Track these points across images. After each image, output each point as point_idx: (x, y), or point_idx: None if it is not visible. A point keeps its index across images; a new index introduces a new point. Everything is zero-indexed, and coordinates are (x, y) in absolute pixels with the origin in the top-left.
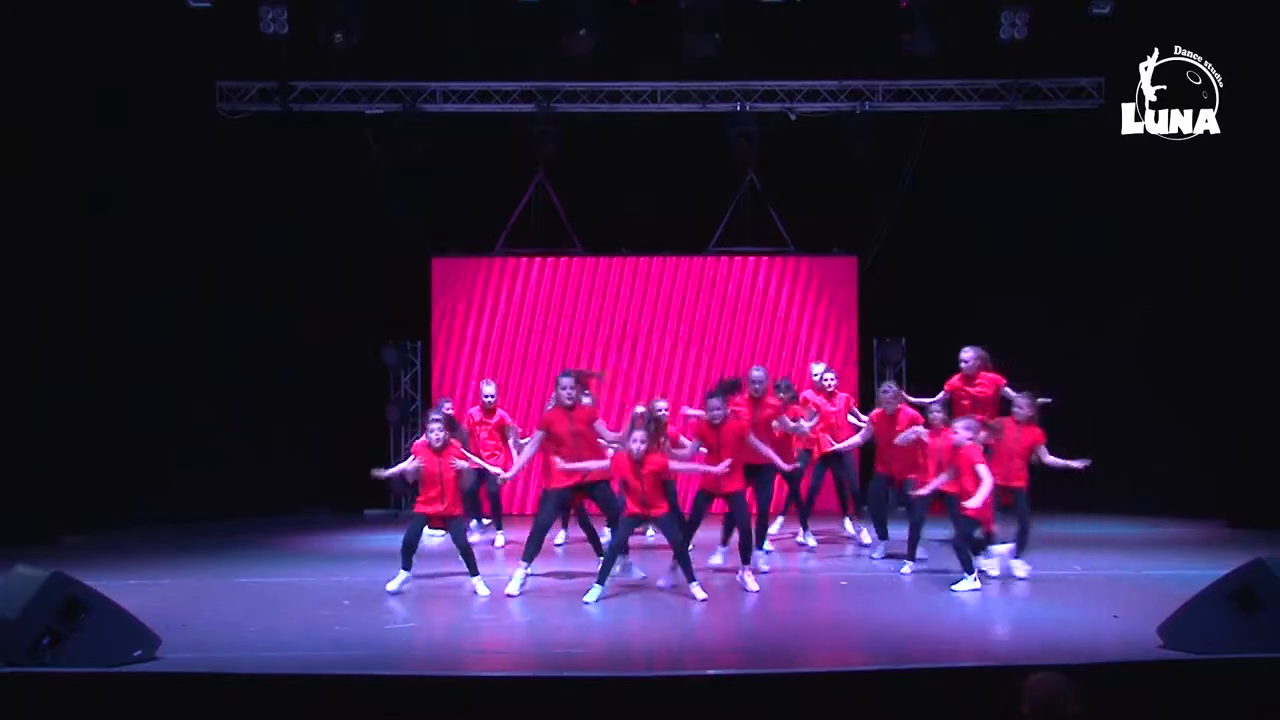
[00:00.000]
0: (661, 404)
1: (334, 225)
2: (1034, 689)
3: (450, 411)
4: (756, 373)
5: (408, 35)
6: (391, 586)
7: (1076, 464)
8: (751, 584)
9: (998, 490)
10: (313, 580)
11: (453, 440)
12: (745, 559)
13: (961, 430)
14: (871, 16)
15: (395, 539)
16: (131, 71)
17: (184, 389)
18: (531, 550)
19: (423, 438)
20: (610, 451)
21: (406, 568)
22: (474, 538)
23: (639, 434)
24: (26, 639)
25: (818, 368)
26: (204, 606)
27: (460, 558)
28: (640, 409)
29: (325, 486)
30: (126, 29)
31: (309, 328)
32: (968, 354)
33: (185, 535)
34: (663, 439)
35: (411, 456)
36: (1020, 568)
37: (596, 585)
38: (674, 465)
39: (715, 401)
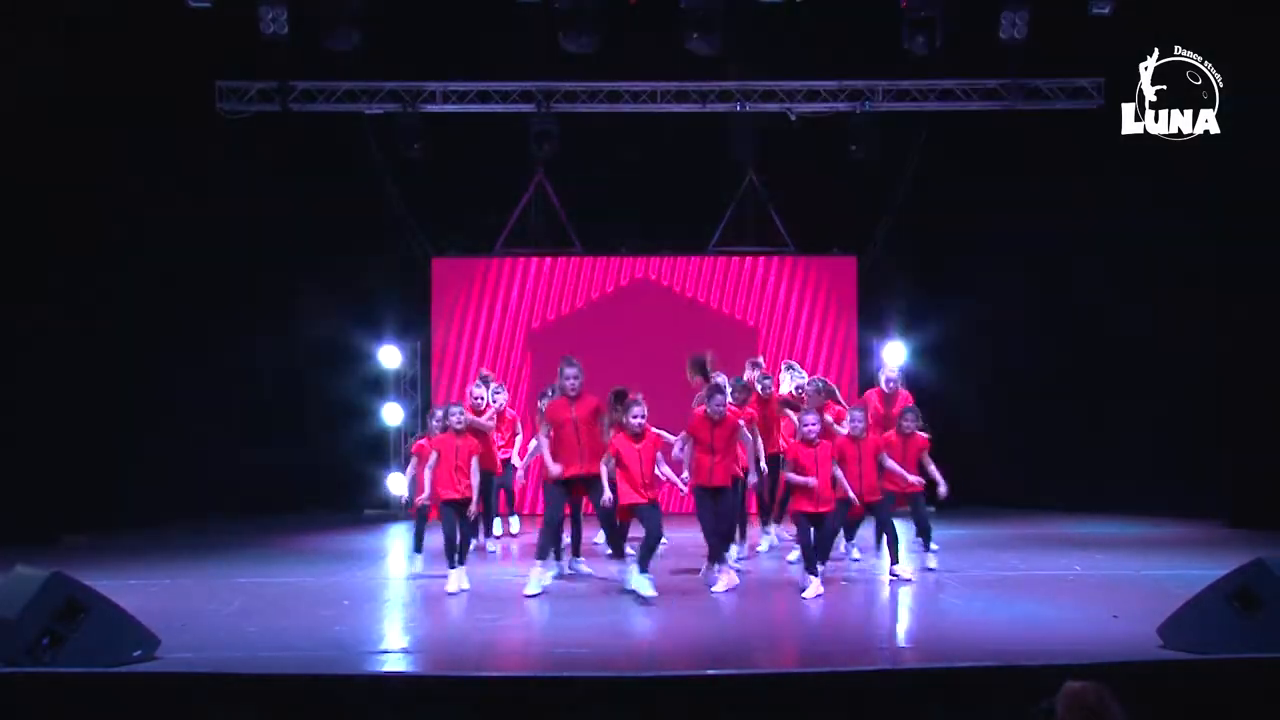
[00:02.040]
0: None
1: (334, 225)
2: (1072, 699)
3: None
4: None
5: (408, 35)
6: (450, 588)
7: (913, 480)
8: (721, 585)
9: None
10: (313, 580)
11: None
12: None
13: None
14: (871, 16)
15: (395, 539)
16: (132, 71)
17: (184, 388)
18: (545, 547)
19: (426, 436)
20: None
21: (461, 562)
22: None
23: (638, 410)
24: (26, 639)
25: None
26: (204, 606)
27: (449, 543)
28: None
29: (325, 486)
30: (127, 29)
31: (309, 327)
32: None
33: (185, 535)
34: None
35: (417, 457)
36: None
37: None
38: (660, 471)
39: (719, 398)
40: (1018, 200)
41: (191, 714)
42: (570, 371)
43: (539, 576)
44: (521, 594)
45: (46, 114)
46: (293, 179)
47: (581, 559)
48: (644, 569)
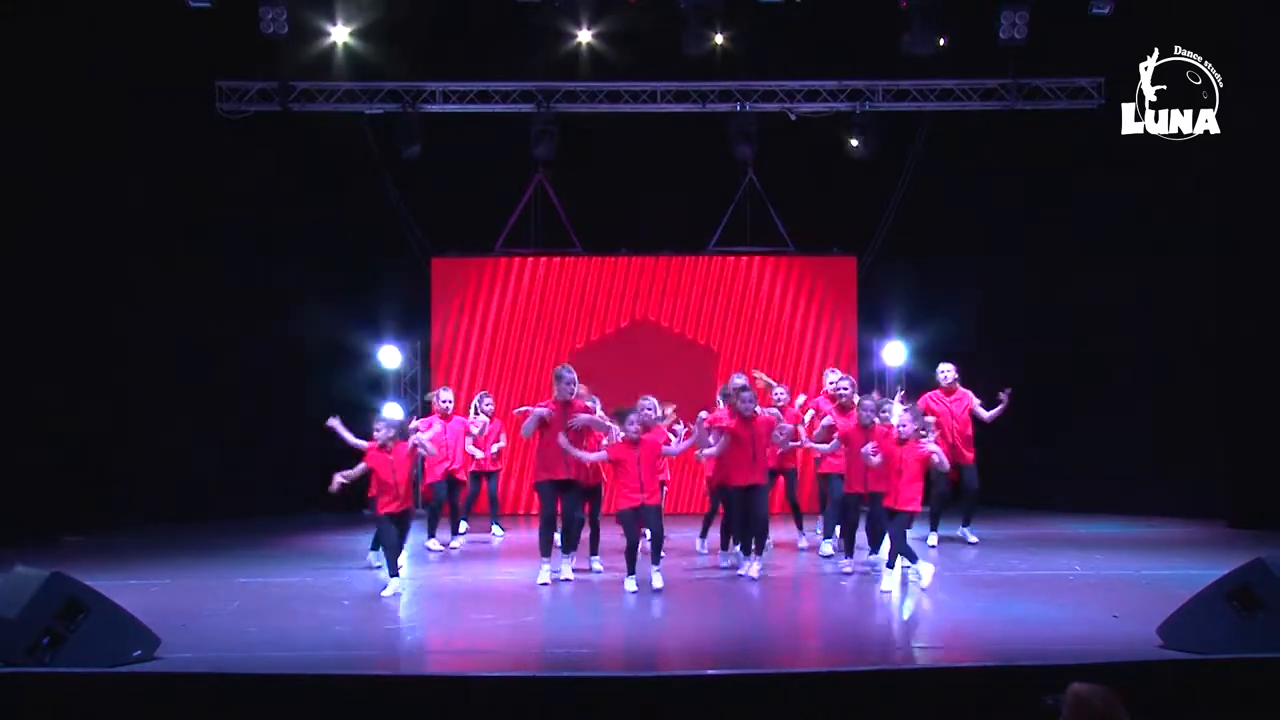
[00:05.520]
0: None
1: (334, 225)
2: (1078, 702)
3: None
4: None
5: (407, 35)
6: (387, 593)
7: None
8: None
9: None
10: (313, 580)
11: (398, 440)
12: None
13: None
14: (871, 16)
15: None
16: (132, 71)
17: (184, 388)
18: (546, 544)
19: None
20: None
21: (395, 574)
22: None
23: (633, 416)
24: (26, 639)
25: (832, 375)
26: (204, 606)
27: (387, 551)
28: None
29: (325, 486)
30: (127, 29)
31: (309, 327)
32: (948, 369)
33: (185, 535)
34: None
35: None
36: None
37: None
38: (670, 449)
39: (747, 395)
40: (1017, 200)
41: (191, 714)
42: (568, 377)
43: (547, 572)
44: (513, 591)
45: (46, 113)
46: (293, 179)
47: (598, 557)
48: (656, 561)
